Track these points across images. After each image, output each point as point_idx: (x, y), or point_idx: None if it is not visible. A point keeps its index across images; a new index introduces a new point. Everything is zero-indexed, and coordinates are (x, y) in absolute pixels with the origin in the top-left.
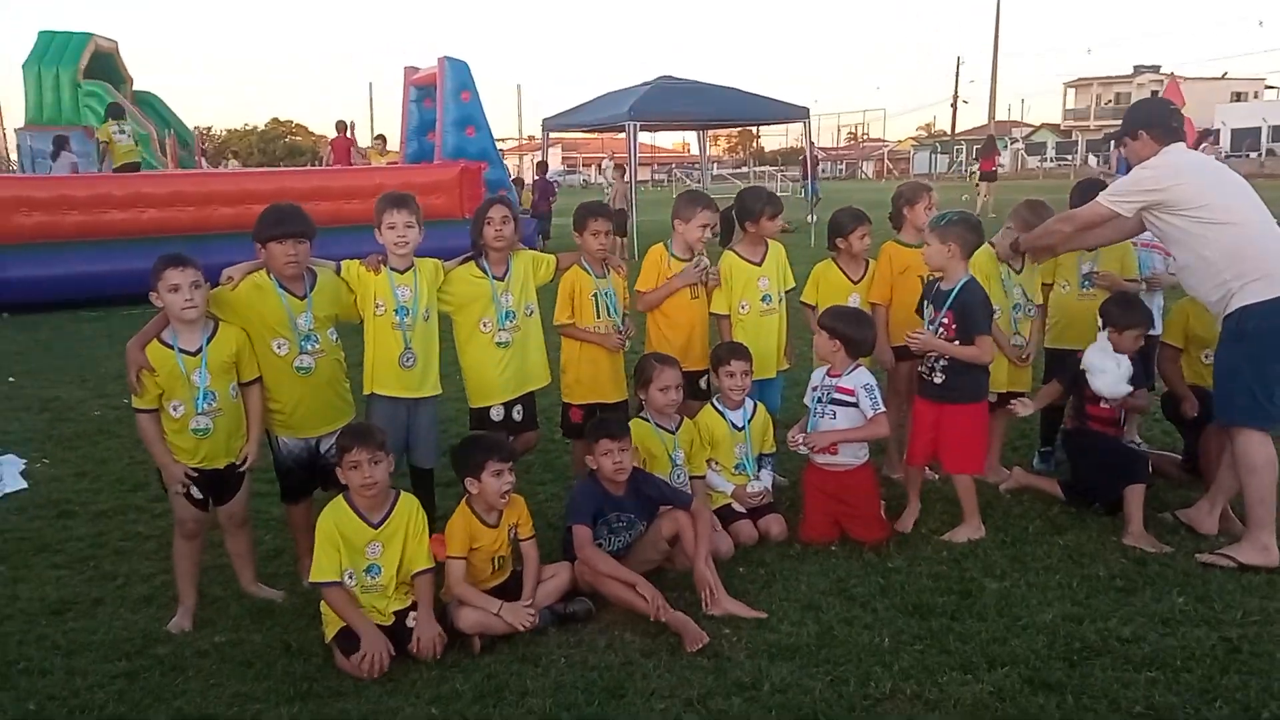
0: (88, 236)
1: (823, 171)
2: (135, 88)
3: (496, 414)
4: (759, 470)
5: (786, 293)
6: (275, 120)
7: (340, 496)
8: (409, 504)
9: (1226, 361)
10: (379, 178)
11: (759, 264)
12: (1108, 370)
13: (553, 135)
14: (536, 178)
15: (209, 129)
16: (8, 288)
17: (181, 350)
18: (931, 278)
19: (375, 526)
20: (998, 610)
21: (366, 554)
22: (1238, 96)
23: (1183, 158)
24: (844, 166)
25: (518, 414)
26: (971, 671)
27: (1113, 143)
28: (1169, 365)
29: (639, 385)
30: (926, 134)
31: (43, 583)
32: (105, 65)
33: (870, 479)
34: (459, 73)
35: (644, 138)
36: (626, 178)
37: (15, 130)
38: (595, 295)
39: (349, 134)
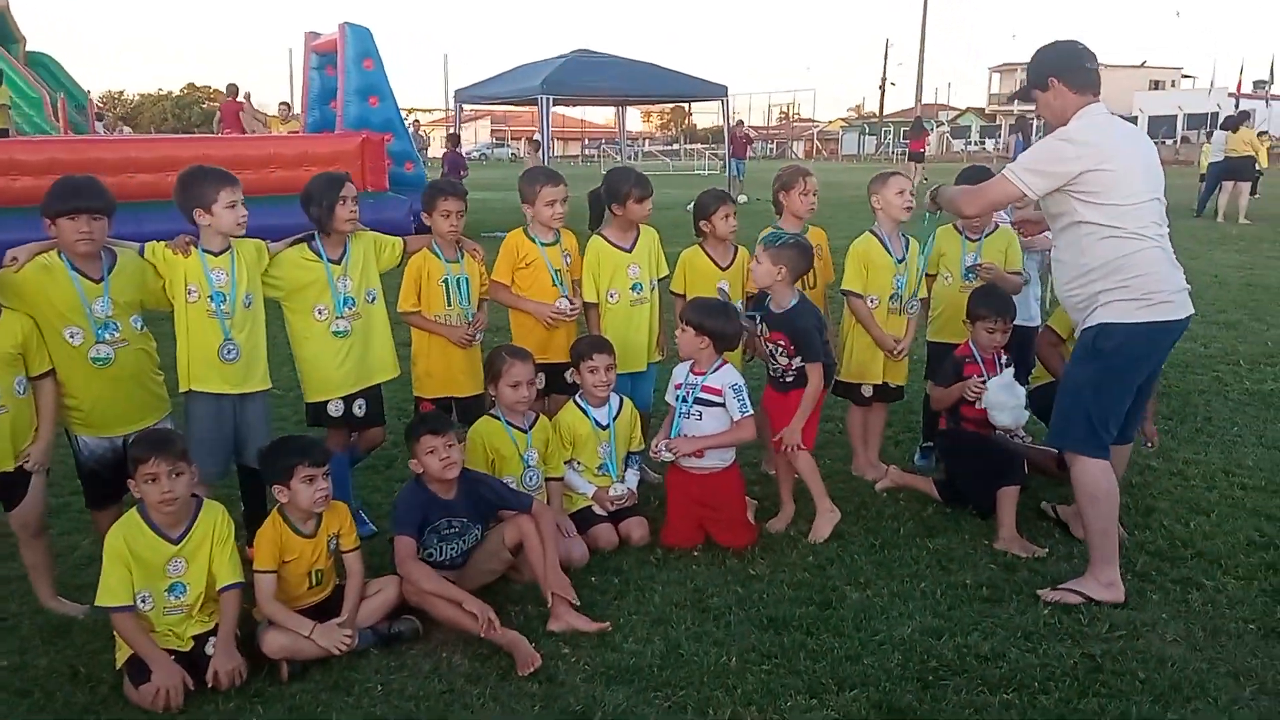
0: None
1: (754, 151)
2: (29, 48)
3: (335, 409)
4: (625, 470)
5: (660, 280)
6: (191, 86)
7: (134, 510)
8: (213, 511)
9: (1071, 380)
10: (272, 147)
11: (629, 250)
12: (1005, 405)
13: (480, 108)
14: (446, 150)
15: (120, 93)
16: None
17: None
18: (761, 290)
19: (176, 542)
20: (855, 623)
21: (168, 572)
22: (1156, 85)
23: (1111, 135)
24: (774, 146)
25: (359, 409)
26: (818, 695)
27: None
28: (1048, 349)
29: (488, 379)
30: (856, 115)
31: None
32: None
33: (736, 482)
34: (361, 39)
35: (575, 112)
36: (540, 152)
37: None
38: (445, 281)
39: (239, 98)
